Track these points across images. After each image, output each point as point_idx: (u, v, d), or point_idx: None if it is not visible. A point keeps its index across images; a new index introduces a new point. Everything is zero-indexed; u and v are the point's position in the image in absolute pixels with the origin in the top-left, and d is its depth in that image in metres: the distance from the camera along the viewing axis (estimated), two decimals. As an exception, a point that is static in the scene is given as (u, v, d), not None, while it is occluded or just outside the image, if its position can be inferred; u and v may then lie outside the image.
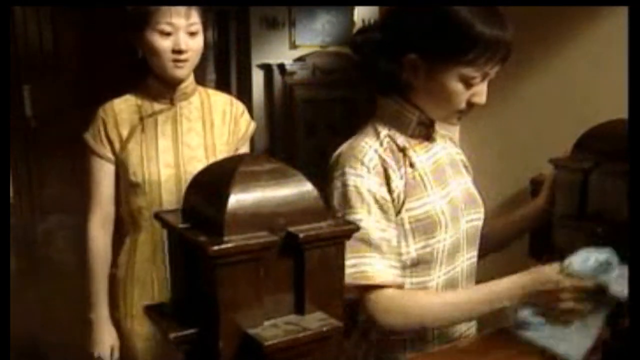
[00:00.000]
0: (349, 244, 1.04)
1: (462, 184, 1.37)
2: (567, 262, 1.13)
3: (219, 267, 0.62)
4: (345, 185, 1.20)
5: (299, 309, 0.68)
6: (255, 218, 0.65)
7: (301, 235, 0.65)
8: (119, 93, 1.72)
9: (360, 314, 1.26)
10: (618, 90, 1.61)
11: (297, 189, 0.68)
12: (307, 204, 0.67)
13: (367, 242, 1.17)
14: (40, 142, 5.38)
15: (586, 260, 1.12)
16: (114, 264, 1.74)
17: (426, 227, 1.23)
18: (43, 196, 5.45)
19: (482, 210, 1.39)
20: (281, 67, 5.58)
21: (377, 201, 1.19)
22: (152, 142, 1.68)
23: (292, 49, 5.78)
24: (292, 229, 0.66)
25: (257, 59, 5.63)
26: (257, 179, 0.66)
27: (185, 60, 1.61)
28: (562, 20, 2.24)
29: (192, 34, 1.61)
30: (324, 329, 0.66)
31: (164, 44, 1.59)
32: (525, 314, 1.15)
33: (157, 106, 1.70)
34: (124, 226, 1.75)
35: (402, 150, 1.25)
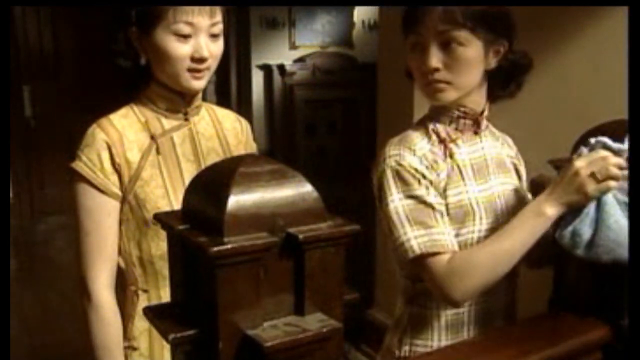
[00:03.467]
0: (414, 217, 1.22)
1: (506, 185, 1.37)
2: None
3: (219, 268, 0.62)
4: (400, 164, 1.26)
5: (299, 310, 0.68)
6: (255, 219, 0.65)
7: (301, 236, 0.65)
8: (118, 97, 1.40)
9: (422, 283, 1.29)
10: (618, 90, 1.60)
11: (297, 189, 0.68)
12: (307, 205, 0.67)
13: (431, 215, 1.23)
14: (40, 143, 5.38)
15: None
16: (124, 335, 1.39)
17: (458, 216, 1.27)
18: (42, 197, 5.46)
19: None
20: (281, 67, 5.58)
21: (428, 180, 1.26)
22: (174, 167, 1.36)
23: (292, 50, 5.79)
24: (291, 230, 0.66)
25: (256, 60, 5.63)
26: (257, 179, 0.66)
27: (205, 69, 1.31)
28: (562, 20, 2.24)
29: (214, 37, 1.30)
30: (324, 329, 0.66)
31: (181, 50, 1.27)
32: (571, 229, 1.11)
33: (167, 122, 1.37)
34: (129, 281, 1.39)
35: (443, 141, 1.31)
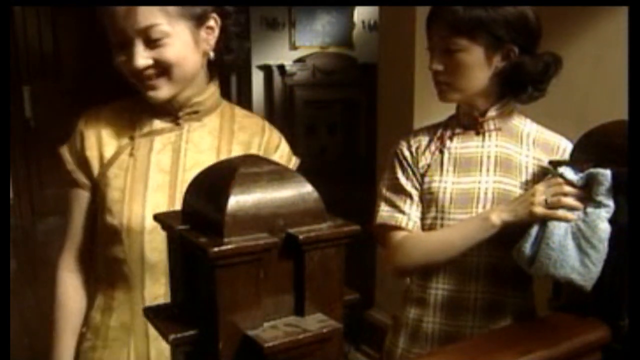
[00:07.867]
0: (389, 196, 1.44)
1: (502, 185, 1.37)
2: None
3: (219, 268, 0.62)
4: (395, 151, 1.47)
5: (299, 311, 0.68)
6: (255, 219, 0.64)
7: (301, 236, 0.65)
8: (118, 98, 1.35)
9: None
10: (618, 90, 1.61)
11: (297, 190, 0.67)
12: (307, 206, 0.67)
13: (402, 198, 1.42)
14: (40, 143, 5.38)
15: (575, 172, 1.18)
16: (85, 320, 1.36)
17: (426, 200, 1.41)
18: (42, 197, 5.46)
19: None
20: (281, 68, 5.59)
21: (410, 167, 1.44)
22: (141, 174, 1.24)
23: (292, 50, 5.79)
24: (292, 230, 0.66)
25: (257, 60, 5.64)
26: (257, 180, 0.66)
27: (159, 78, 1.18)
28: (562, 21, 2.24)
29: (156, 42, 1.14)
30: (324, 330, 0.66)
31: (121, 61, 1.18)
32: (527, 246, 1.19)
33: (157, 123, 1.27)
34: (99, 275, 1.35)
35: (440, 137, 1.43)
